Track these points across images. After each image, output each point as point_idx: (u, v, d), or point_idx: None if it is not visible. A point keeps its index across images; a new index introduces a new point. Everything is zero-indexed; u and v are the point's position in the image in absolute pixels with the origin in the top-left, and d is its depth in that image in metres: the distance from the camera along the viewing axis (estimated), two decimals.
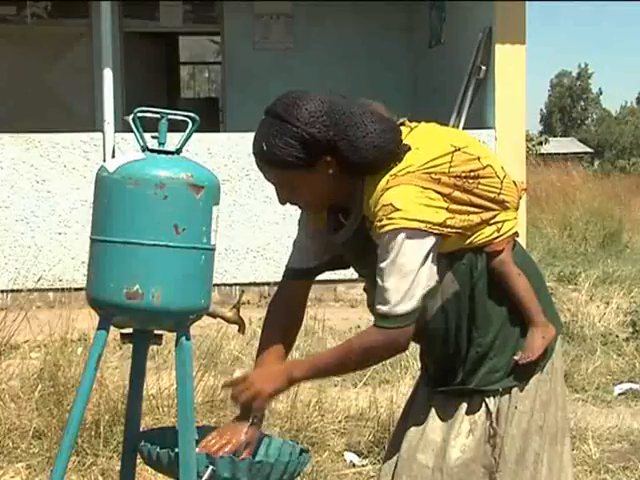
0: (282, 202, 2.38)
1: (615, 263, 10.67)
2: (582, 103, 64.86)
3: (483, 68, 8.75)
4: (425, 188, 2.24)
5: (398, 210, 2.21)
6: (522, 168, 8.73)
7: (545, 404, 2.45)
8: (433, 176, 2.26)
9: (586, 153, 41.75)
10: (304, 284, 2.55)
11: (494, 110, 8.63)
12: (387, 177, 2.25)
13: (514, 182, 2.48)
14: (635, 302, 8.17)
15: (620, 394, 5.79)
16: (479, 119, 8.84)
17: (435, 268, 2.29)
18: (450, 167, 2.28)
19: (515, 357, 2.39)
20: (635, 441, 4.91)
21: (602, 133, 60.23)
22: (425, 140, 2.33)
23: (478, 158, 2.34)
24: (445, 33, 10.31)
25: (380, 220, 2.24)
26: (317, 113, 2.22)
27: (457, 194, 2.28)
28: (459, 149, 2.32)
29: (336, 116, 2.23)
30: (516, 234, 2.45)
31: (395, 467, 2.50)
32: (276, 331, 2.52)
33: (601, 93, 65.72)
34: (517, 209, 2.46)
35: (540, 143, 25.09)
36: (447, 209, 2.26)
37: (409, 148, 2.29)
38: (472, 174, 2.31)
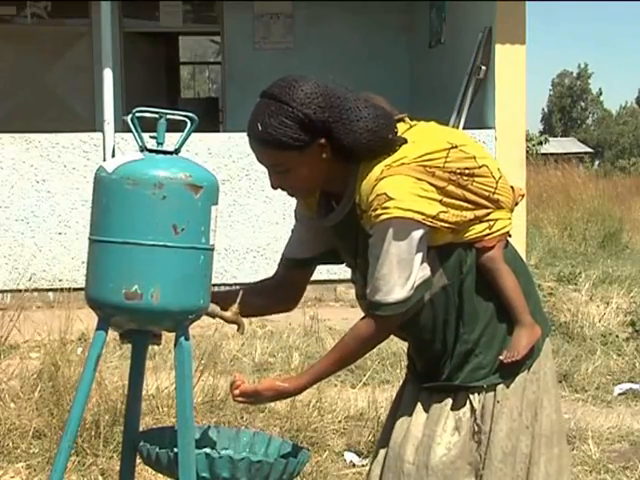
0: (274, 186, 2.38)
1: (615, 263, 10.67)
2: (582, 103, 64.85)
3: (483, 68, 8.75)
4: (419, 179, 2.26)
5: (392, 199, 2.23)
6: (522, 168, 8.73)
7: (532, 404, 2.44)
8: (427, 169, 2.28)
9: (586, 153, 41.73)
10: (299, 273, 2.58)
11: (494, 110, 8.63)
12: (381, 167, 2.27)
13: (512, 187, 2.50)
14: (635, 302, 8.16)
15: (620, 394, 5.78)
16: (479, 119, 8.84)
17: (426, 259, 2.31)
18: (445, 162, 2.30)
19: (500, 357, 2.40)
20: (635, 441, 4.91)
21: (602, 133, 60.24)
22: (422, 135, 2.35)
23: (474, 157, 2.36)
24: (445, 33, 10.31)
25: (375, 209, 2.26)
26: (313, 95, 2.24)
27: (451, 188, 2.30)
28: (456, 147, 2.33)
29: (331, 99, 2.26)
30: (508, 234, 2.46)
31: (383, 465, 2.52)
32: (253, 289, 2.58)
33: (601, 93, 65.72)
34: (512, 211, 2.47)
35: (540, 143, 25.13)
36: (441, 202, 2.28)
37: (405, 141, 2.30)
38: (467, 172, 2.33)
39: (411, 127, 2.39)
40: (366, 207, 2.28)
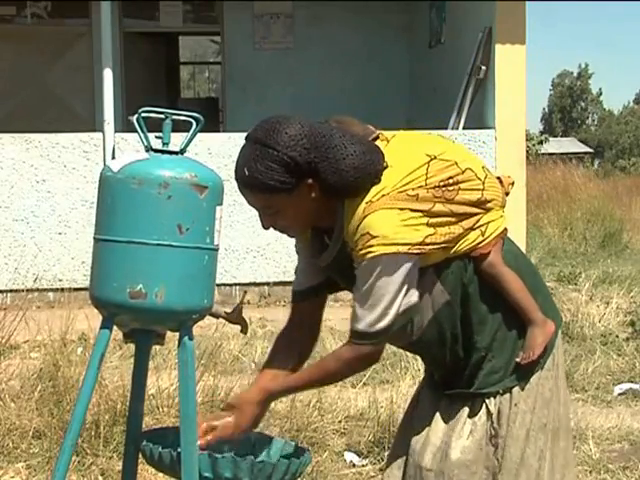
0: (265, 227, 2.39)
1: (615, 263, 10.68)
2: (582, 103, 64.86)
3: (483, 68, 8.75)
4: (401, 209, 2.25)
5: (375, 237, 2.23)
6: (522, 168, 8.73)
7: (547, 401, 2.44)
8: (410, 193, 2.26)
9: (586, 153, 41.72)
10: (311, 304, 2.55)
11: (494, 110, 8.63)
12: (363, 205, 2.26)
13: (499, 178, 2.49)
14: (635, 302, 8.16)
15: (620, 394, 5.78)
16: (479, 119, 8.84)
17: (414, 287, 2.30)
18: (427, 179, 2.29)
19: (517, 358, 2.39)
20: (635, 441, 4.91)
21: (602, 133, 60.23)
22: (399, 155, 2.33)
23: (455, 163, 2.34)
24: (445, 33, 10.31)
25: (360, 249, 2.26)
26: (297, 136, 2.23)
27: (438, 208, 2.28)
28: (435, 157, 2.32)
29: (316, 139, 2.24)
30: (505, 231, 2.44)
31: (404, 473, 2.51)
32: (278, 353, 2.55)
33: (601, 93, 65.72)
34: (503, 206, 2.46)
35: (540, 143, 25.13)
36: (427, 224, 2.27)
37: (385, 167, 2.29)
38: (451, 181, 2.31)
39: (388, 142, 2.37)
40: (353, 246, 2.29)
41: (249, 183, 2.27)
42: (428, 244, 2.27)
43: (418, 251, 2.26)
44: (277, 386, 2.44)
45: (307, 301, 2.54)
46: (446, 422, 2.45)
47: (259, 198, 2.30)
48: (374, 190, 2.26)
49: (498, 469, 2.41)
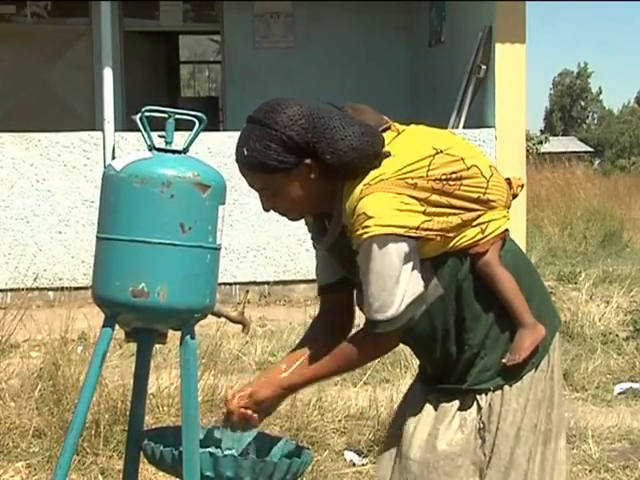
0: (266, 209, 2.40)
1: (615, 262, 10.68)
2: (582, 102, 64.85)
3: (483, 67, 8.75)
4: (398, 194, 2.25)
5: (371, 218, 2.23)
6: (522, 167, 8.73)
7: (539, 402, 2.44)
8: (408, 181, 2.26)
9: (586, 152, 41.70)
10: (338, 297, 2.54)
11: (494, 109, 8.63)
12: (361, 187, 2.26)
13: (509, 179, 2.48)
14: (635, 301, 8.16)
15: (620, 393, 5.79)
16: (479, 118, 8.84)
17: (418, 273, 2.30)
18: (428, 170, 2.28)
19: (503, 360, 2.39)
20: (635, 440, 4.91)
21: (602, 132, 60.23)
22: (406, 146, 2.33)
23: (462, 159, 2.33)
24: (445, 33, 10.31)
25: (357, 230, 2.26)
26: (296, 116, 2.24)
27: (435, 198, 2.28)
28: (441, 151, 2.32)
29: (315, 119, 2.25)
30: (506, 232, 2.43)
31: (393, 463, 2.52)
32: (303, 344, 2.53)
33: (601, 92, 65.73)
34: (508, 207, 2.45)
35: (540, 142, 25.14)
36: (424, 212, 2.27)
37: (387, 155, 2.30)
38: (453, 176, 2.31)
39: (398, 134, 2.38)
40: (351, 228, 2.29)
41: (248, 162, 2.29)
42: (425, 229, 2.26)
43: (415, 234, 2.25)
44: (292, 381, 2.42)
45: (333, 295, 2.54)
46: (435, 416, 2.45)
47: (258, 178, 2.31)
48: (373, 174, 2.27)
49: (486, 464, 2.41)
